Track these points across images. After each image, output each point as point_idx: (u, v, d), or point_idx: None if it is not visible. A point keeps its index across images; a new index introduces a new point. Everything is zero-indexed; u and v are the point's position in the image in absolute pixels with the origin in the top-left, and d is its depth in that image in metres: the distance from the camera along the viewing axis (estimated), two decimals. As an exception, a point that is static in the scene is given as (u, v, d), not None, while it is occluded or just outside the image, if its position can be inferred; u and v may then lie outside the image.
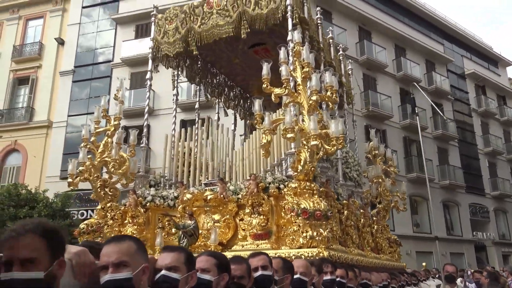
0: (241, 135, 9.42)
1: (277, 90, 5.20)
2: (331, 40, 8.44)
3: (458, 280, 9.66)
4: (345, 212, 6.45)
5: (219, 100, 9.03)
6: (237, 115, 9.61)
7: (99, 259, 1.62)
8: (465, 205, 25.80)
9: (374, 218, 7.75)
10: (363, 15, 23.53)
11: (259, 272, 2.62)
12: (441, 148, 25.61)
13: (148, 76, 7.14)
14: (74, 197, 17.14)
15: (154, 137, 17.72)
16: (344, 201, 6.50)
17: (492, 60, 33.29)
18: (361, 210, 7.20)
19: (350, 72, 9.30)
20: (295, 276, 3.01)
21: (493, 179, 28.21)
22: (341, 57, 8.97)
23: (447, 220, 24.83)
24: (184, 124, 16.87)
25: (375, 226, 7.60)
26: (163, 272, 1.85)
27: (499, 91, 32.01)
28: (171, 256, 1.91)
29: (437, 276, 11.92)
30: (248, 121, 9.29)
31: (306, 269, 3.17)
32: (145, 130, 6.87)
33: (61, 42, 23.10)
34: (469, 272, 14.25)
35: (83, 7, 23.87)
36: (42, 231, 1.40)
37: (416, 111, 8.34)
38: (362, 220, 7.06)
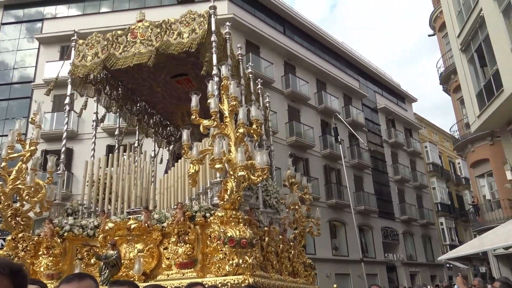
0: (160, 163, 9.20)
1: (206, 122, 5.23)
2: (250, 75, 8.71)
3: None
4: (266, 238, 6.48)
5: (139, 127, 8.83)
6: (156, 142, 9.40)
7: None
8: (378, 229, 27.40)
9: (291, 243, 7.89)
10: (288, 50, 24.66)
11: None
12: (357, 176, 27.15)
13: (67, 101, 6.77)
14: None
15: (78, 162, 16.67)
16: (265, 228, 6.55)
17: (400, 96, 36.54)
18: (280, 236, 7.31)
19: (267, 105, 9.63)
20: None
21: (401, 204, 30.41)
22: (259, 91, 9.26)
23: (362, 243, 26.10)
24: (110, 149, 16.11)
25: (292, 251, 7.72)
26: None
27: (406, 125, 35.04)
28: None
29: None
30: (171, 149, 9.12)
31: None
32: (62, 156, 6.42)
33: (-25, 58, 21.22)
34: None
35: (2, 24, 22.27)
36: (9, 271, 1.36)
37: (339, 140, 8.73)
38: (281, 245, 7.15)
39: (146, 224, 5.51)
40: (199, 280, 4.72)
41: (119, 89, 7.95)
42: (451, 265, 30.46)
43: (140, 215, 5.72)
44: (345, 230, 24.73)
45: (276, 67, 23.76)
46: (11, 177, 5.50)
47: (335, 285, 15.08)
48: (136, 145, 8.45)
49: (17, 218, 5.52)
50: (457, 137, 21.49)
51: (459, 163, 37.52)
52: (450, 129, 24.48)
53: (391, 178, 30.67)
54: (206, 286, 3.42)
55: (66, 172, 17.79)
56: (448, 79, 21.10)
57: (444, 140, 38.67)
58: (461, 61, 16.44)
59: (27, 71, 21.56)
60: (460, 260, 29.09)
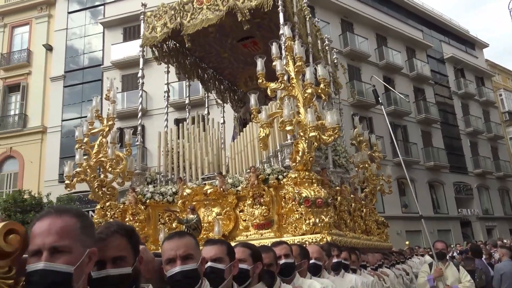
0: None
1: (273, 85, 5.08)
2: (317, 32, 8.31)
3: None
4: (339, 198, 6.37)
5: (210, 94, 8.91)
6: (224, 109, 9.42)
7: None
8: (450, 184, 26.05)
9: (363, 202, 7.70)
10: (344, 7, 23.41)
11: (283, 260, 2.72)
12: (424, 132, 25.74)
13: (140, 74, 6.92)
14: (75, 199, 16.87)
15: (149, 137, 17.45)
16: (337, 188, 6.42)
17: (469, 43, 33.42)
18: (352, 195, 7.13)
19: (335, 61, 9.21)
20: (310, 261, 3.19)
21: (475, 157, 28.49)
22: (326, 47, 8.86)
23: (433, 200, 25.05)
24: (178, 123, 16.65)
25: (364, 210, 7.54)
26: (209, 263, 1.92)
27: (477, 73, 32.22)
28: (215, 248, 1.99)
29: (427, 253, 12.06)
30: (236, 114, 9.10)
31: (320, 254, 3.36)
32: (139, 128, 6.67)
33: (49, 48, 22.56)
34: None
35: (68, 13, 23.34)
36: (125, 231, 1.52)
37: (380, 101, 8.17)
38: (353, 204, 7.00)
39: (221, 189, 5.59)
40: (277, 239, 4.75)
41: (188, 57, 8.00)
42: (532, 218, 28.40)
43: (214, 180, 5.81)
44: (414, 187, 23.80)
45: (332, 26, 22.75)
46: (94, 151, 5.80)
47: (407, 242, 14.74)
48: (205, 112, 8.54)
49: (103, 189, 5.86)
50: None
51: (540, 110, 34.11)
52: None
53: (462, 131, 28.72)
54: (294, 243, 3.48)
55: (142, 146, 18.85)
56: (525, 19, 18.86)
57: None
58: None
59: (95, 54, 22.59)
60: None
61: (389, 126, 7.95)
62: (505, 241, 17.32)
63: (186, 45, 6.55)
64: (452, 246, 16.81)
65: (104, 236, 1.45)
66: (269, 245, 2.89)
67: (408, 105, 24.58)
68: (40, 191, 16.00)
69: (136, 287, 1.51)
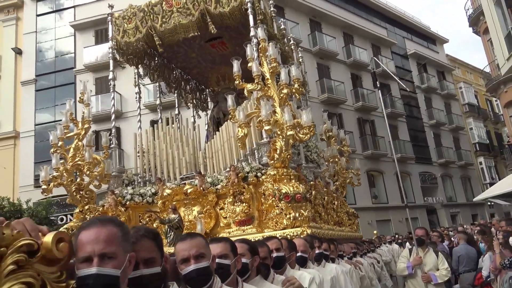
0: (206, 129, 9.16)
1: (249, 86, 5.07)
2: (283, 31, 8.35)
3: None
4: (313, 192, 6.42)
5: (178, 95, 8.75)
6: (195, 108, 9.28)
7: None
8: (416, 174, 26.79)
9: (334, 195, 7.80)
10: (312, 7, 23.59)
11: (275, 254, 2.85)
12: (391, 125, 26.28)
13: (110, 76, 6.72)
14: (53, 203, 16.31)
15: (125, 139, 17.07)
16: (311, 182, 6.47)
17: (431, 39, 34.32)
18: (325, 189, 7.21)
19: (301, 60, 9.27)
20: (297, 254, 3.33)
21: (438, 148, 29.41)
22: (292, 47, 8.89)
23: (401, 189, 25.70)
24: (153, 124, 16.23)
25: (336, 202, 7.64)
26: (217, 260, 2.01)
27: (439, 67, 33.18)
28: (220, 246, 2.10)
29: (393, 240, 12.42)
30: (209, 113, 9.00)
31: (305, 247, 3.50)
32: (113, 130, 6.49)
33: (18, 51, 21.65)
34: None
35: (37, 15, 22.47)
36: (152, 234, 1.64)
37: (377, 85, 8.18)
38: (326, 198, 7.08)
39: (201, 188, 5.52)
40: (260, 235, 4.78)
41: (156, 58, 7.82)
42: (492, 203, 29.54)
43: (193, 180, 5.73)
44: (383, 178, 24.35)
45: (302, 26, 22.89)
46: (70, 155, 5.59)
47: (375, 231, 15.06)
48: (176, 113, 8.41)
49: (81, 192, 5.67)
50: (490, 74, 20.30)
51: (496, 101, 35.44)
52: (482, 70, 23.04)
53: (426, 123, 29.57)
54: (282, 237, 3.56)
55: (117, 148, 18.35)
56: (477, 21, 19.63)
57: (480, 78, 36.42)
58: (487, 3, 15.17)
59: (66, 57, 21.87)
60: (502, 198, 28.15)
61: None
62: (465, 226, 18.02)
63: (159, 50, 6.41)
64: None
65: (135, 240, 1.53)
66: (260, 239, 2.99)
67: (374, 101, 25.08)
68: (19, 198, 15.36)
69: (165, 285, 1.62)
